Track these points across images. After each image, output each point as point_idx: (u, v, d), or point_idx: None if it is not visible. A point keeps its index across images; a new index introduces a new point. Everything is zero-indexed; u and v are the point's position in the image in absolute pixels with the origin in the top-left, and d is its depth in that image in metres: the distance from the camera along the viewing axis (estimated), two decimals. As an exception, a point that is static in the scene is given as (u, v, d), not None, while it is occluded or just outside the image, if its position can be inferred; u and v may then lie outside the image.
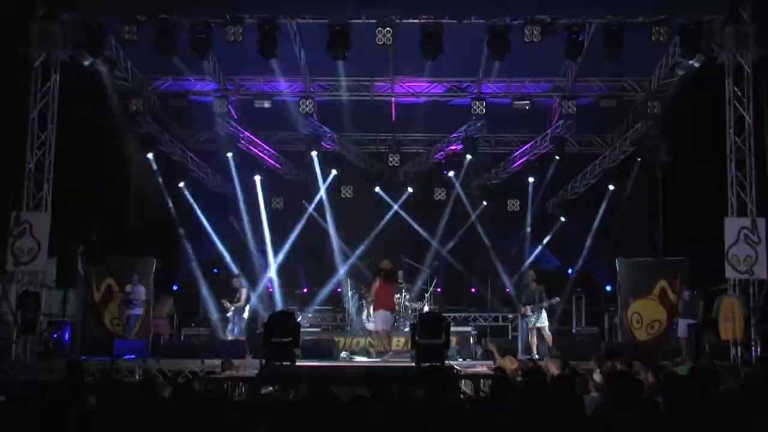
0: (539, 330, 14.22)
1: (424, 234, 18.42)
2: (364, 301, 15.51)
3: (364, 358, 14.31)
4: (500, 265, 17.92)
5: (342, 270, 17.90)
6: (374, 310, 14.10)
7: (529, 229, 18.51)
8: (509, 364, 10.48)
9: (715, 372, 6.26)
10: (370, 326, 14.83)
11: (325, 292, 17.90)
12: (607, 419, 4.97)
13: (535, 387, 5.19)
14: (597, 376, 9.56)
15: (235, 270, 16.85)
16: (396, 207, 18.49)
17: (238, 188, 17.91)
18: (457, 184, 18.31)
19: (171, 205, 17.62)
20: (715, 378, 5.96)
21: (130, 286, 14.94)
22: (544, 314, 14.25)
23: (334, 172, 18.25)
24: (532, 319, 14.24)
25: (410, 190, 18.65)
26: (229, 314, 15.09)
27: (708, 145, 14.79)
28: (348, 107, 17.21)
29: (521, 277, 16.60)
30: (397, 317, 15.47)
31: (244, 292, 15.27)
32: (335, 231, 18.25)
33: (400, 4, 13.46)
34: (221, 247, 17.72)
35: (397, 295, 15.65)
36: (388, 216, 18.49)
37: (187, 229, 17.73)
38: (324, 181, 18.24)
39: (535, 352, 13.92)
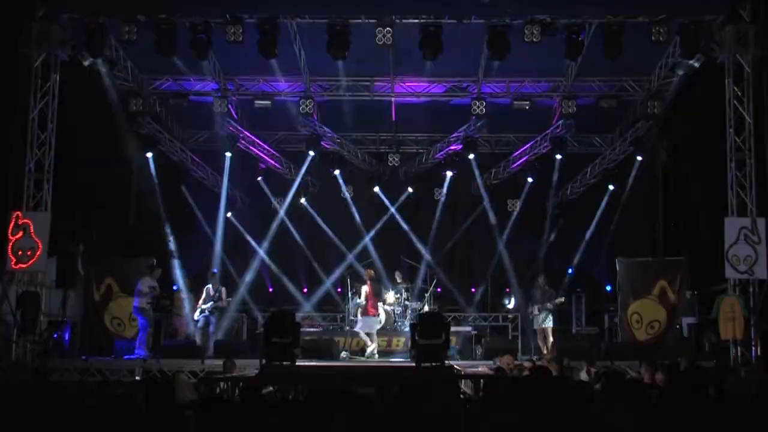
0: (544, 330, 14.50)
1: (415, 239, 18.43)
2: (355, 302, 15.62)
3: (364, 358, 14.35)
4: (497, 266, 17.93)
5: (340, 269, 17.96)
6: (363, 314, 14.51)
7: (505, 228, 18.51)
8: (507, 362, 10.51)
9: (708, 371, 6.27)
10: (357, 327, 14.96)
11: (323, 290, 17.92)
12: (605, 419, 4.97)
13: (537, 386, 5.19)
14: (584, 375, 9.59)
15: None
16: (393, 210, 18.50)
17: (224, 188, 17.87)
18: (479, 179, 18.24)
19: (174, 205, 17.66)
20: (709, 377, 5.97)
21: (151, 280, 14.36)
22: (549, 315, 14.64)
23: (337, 172, 18.28)
24: (539, 319, 14.72)
25: (410, 190, 18.65)
26: (206, 314, 14.96)
27: (708, 145, 14.80)
28: (348, 107, 17.21)
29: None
30: (396, 317, 15.60)
31: (224, 291, 15.27)
32: (331, 230, 18.30)
33: (400, 4, 13.46)
34: (219, 247, 17.72)
35: (397, 295, 15.74)
36: (385, 216, 18.52)
37: (186, 229, 17.74)
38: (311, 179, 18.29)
39: (544, 351, 14.06)
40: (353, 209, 18.54)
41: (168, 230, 17.11)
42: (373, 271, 15.27)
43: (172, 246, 16.83)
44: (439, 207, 18.74)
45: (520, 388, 5.30)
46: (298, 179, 18.26)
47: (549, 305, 14.70)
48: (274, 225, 18.32)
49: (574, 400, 5.02)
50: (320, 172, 18.52)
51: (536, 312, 14.82)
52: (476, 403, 6.55)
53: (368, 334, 14.45)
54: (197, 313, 15.03)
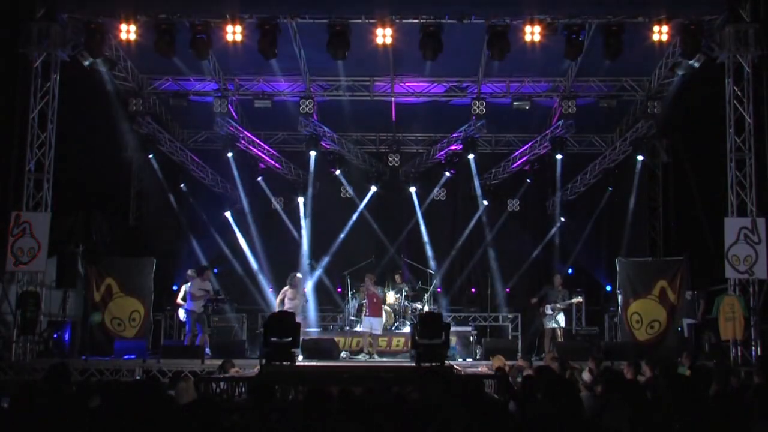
0: (554, 330, 14.67)
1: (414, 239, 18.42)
2: (363, 302, 15.55)
3: (364, 358, 14.35)
4: (497, 266, 17.97)
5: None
6: (368, 315, 14.50)
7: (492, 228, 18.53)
8: (498, 363, 10.51)
9: (710, 372, 6.27)
10: (360, 328, 15.00)
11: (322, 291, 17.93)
12: (604, 419, 4.98)
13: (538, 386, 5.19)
14: (586, 375, 9.57)
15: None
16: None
17: (240, 189, 17.92)
18: (478, 179, 18.30)
19: (174, 204, 17.69)
20: (710, 378, 5.96)
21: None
22: (561, 316, 14.87)
23: (338, 172, 18.29)
24: (552, 320, 14.82)
25: (412, 190, 18.64)
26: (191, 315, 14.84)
27: (708, 145, 14.80)
28: (348, 107, 17.20)
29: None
30: (396, 317, 15.61)
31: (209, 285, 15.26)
32: (331, 230, 18.31)
33: (400, 4, 13.46)
34: (260, 245, 17.79)
35: (397, 295, 15.73)
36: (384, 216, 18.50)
37: (186, 229, 17.76)
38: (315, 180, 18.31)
39: (547, 352, 14.08)
40: (354, 209, 18.54)
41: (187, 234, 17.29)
42: (374, 276, 15.18)
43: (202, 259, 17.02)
44: (438, 207, 18.75)
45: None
46: (311, 181, 18.23)
47: (560, 305, 14.84)
48: (275, 225, 18.37)
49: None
50: (320, 172, 18.51)
51: (549, 311, 14.87)
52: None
53: (371, 335, 14.53)
54: (181, 313, 15.10)
